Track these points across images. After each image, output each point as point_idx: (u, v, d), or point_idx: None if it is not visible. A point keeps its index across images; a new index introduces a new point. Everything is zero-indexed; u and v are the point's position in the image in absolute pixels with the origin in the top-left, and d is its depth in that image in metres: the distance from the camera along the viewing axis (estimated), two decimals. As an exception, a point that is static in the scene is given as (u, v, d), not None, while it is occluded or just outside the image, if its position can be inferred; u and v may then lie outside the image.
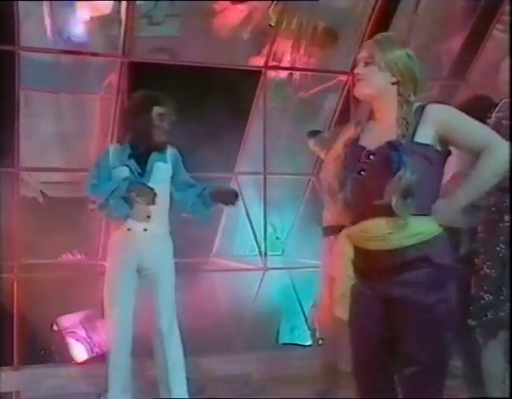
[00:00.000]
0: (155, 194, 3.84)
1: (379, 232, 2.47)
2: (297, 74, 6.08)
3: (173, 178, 4.03)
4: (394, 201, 2.40)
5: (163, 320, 3.96)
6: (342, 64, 5.82)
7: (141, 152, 3.95)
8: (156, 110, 3.94)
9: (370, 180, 2.49)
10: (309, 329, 6.19)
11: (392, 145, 2.46)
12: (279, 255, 6.48)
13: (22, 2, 4.88)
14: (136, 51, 5.42)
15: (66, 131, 5.52)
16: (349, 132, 2.68)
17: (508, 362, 3.51)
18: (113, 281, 3.99)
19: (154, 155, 3.96)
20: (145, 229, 3.93)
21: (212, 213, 4.12)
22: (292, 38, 5.77)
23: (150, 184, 3.90)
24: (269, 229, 6.18)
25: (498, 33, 5.94)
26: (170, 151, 4.04)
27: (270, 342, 6.02)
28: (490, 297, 3.42)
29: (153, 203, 3.86)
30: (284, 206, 6.32)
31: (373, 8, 5.62)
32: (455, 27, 6.07)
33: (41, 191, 5.62)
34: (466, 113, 3.30)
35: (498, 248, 3.42)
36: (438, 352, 2.53)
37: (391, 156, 2.43)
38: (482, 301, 3.43)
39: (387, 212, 2.42)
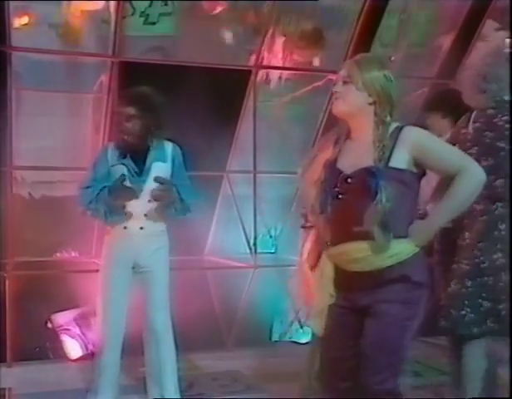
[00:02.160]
0: (135, 193, 3.83)
1: (358, 254, 2.56)
2: (287, 73, 6.11)
3: (171, 178, 4.00)
4: (374, 230, 2.49)
5: (158, 318, 3.98)
6: (332, 63, 5.85)
7: (136, 153, 3.95)
8: (127, 110, 3.89)
9: (348, 204, 2.57)
10: (301, 326, 6.23)
11: (369, 171, 2.54)
12: (273, 253, 6.50)
13: (13, 2, 4.92)
14: (132, 50, 5.45)
15: (58, 131, 5.54)
16: (327, 153, 2.76)
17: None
18: (108, 279, 4.01)
19: (152, 154, 3.95)
20: (142, 228, 3.94)
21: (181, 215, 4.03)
22: (282, 38, 5.80)
23: (148, 184, 3.90)
24: (262, 227, 6.22)
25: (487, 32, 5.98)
26: (172, 150, 4.02)
27: (260, 340, 6.04)
28: (489, 304, 3.47)
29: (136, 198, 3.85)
30: (277, 204, 6.34)
31: (362, 7, 5.63)
32: (444, 27, 6.08)
33: (34, 190, 5.65)
34: (436, 106, 3.39)
35: (495, 256, 3.47)
36: (401, 360, 2.64)
37: (367, 182, 2.51)
38: (481, 308, 3.48)
39: (366, 235, 2.51)
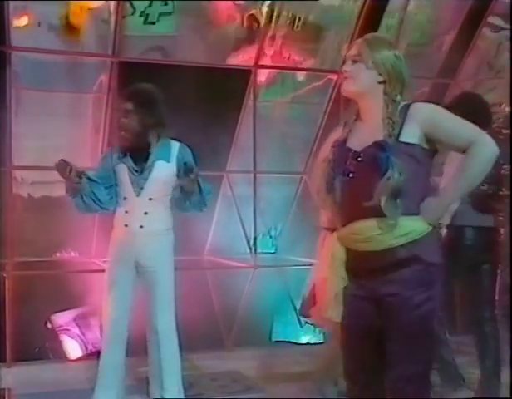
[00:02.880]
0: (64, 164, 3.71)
1: (369, 233, 2.50)
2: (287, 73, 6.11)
3: (178, 176, 3.91)
4: (383, 202, 2.43)
5: (159, 319, 3.93)
6: (332, 63, 5.85)
7: (136, 152, 3.92)
8: (124, 106, 3.86)
9: (358, 182, 2.51)
10: (301, 326, 6.24)
11: (379, 146, 2.48)
12: (273, 253, 6.50)
13: (13, 2, 4.92)
14: (131, 50, 5.45)
15: (58, 130, 5.54)
16: (337, 134, 2.70)
17: None
18: (111, 276, 3.98)
19: (154, 152, 3.91)
20: (142, 226, 3.90)
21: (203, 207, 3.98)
22: (282, 37, 5.80)
23: (149, 182, 3.87)
24: (262, 227, 6.22)
25: (487, 32, 5.98)
26: (178, 150, 3.95)
27: (260, 340, 6.05)
28: None
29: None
30: (277, 204, 6.34)
31: (362, 7, 5.65)
32: (444, 26, 6.08)
33: (34, 190, 5.65)
34: (455, 108, 3.37)
35: None
36: (425, 350, 2.55)
37: (378, 157, 2.46)
38: None
39: (376, 213, 2.45)
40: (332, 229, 3.84)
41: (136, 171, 3.90)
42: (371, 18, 5.66)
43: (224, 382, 4.74)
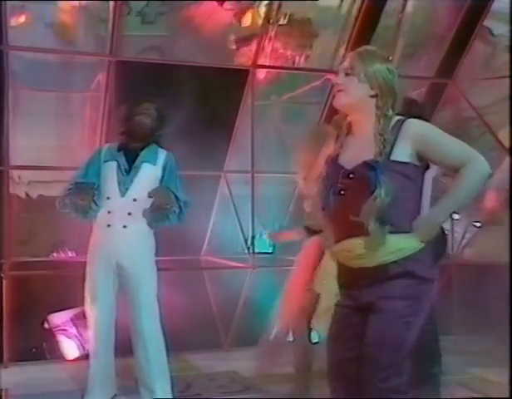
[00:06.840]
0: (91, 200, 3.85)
1: (361, 250, 2.52)
2: (285, 73, 6.11)
3: (161, 182, 4.00)
4: (371, 223, 2.45)
5: (144, 322, 3.93)
6: (330, 63, 5.85)
7: (131, 150, 3.97)
8: (141, 107, 4.00)
9: (350, 200, 2.53)
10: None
11: (369, 165, 2.50)
12: (270, 253, 6.49)
13: (10, 1, 4.91)
14: (129, 49, 5.45)
15: (55, 130, 5.54)
16: (329, 149, 2.72)
17: None
18: (92, 277, 3.99)
19: (143, 154, 3.97)
20: (125, 226, 3.92)
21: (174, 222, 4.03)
22: (280, 37, 5.80)
23: (134, 183, 3.92)
24: (260, 227, 6.22)
25: (485, 32, 5.99)
26: (164, 155, 4.03)
27: (258, 340, 6.02)
28: None
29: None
30: (275, 204, 6.34)
31: (360, 7, 5.65)
32: (442, 26, 6.10)
33: (32, 189, 5.64)
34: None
35: None
36: (405, 357, 2.58)
37: (368, 176, 2.47)
38: None
39: (365, 231, 2.47)
40: (313, 230, 3.84)
41: (125, 170, 3.94)
42: (369, 19, 5.67)
43: (222, 382, 4.75)
